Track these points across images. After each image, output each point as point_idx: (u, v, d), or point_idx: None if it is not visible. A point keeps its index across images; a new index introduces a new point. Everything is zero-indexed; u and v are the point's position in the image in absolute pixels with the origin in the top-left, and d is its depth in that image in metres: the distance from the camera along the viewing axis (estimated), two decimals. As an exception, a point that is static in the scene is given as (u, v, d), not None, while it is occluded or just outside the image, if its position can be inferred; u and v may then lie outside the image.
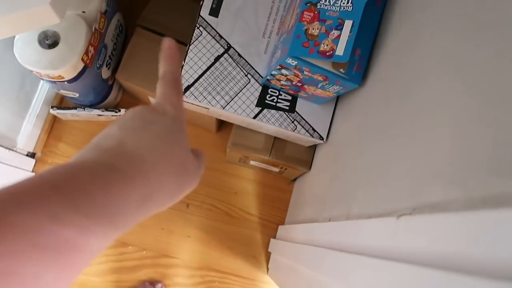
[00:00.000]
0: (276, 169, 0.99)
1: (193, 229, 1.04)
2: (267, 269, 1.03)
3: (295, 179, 1.06)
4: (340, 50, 0.56)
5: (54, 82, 0.84)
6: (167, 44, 0.31)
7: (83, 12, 0.81)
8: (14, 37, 0.78)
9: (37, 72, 0.80)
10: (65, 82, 0.84)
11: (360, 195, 0.50)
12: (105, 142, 0.24)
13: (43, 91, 1.00)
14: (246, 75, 0.76)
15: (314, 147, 0.89)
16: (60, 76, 0.81)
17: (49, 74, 0.80)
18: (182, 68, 0.75)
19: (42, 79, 0.84)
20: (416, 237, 0.30)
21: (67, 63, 0.78)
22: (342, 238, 0.47)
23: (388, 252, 0.34)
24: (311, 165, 0.89)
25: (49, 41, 0.79)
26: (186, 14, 0.95)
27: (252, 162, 0.99)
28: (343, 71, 0.60)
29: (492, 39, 0.30)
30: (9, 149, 0.92)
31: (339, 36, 0.56)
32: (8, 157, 0.91)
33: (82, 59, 0.81)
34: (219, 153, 1.08)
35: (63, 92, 0.92)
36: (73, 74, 0.82)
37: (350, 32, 0.56)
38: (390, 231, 0.34)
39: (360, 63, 0.61)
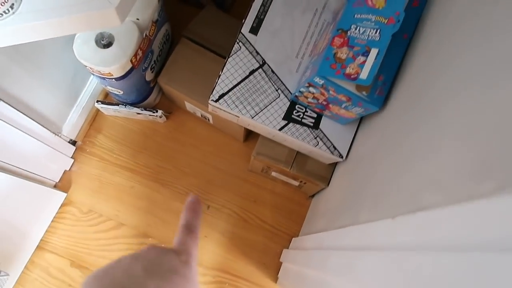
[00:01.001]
0: (296, 183, 1.03)
1: (211, 230, 1.09)
2: (277, 278, 1.06)
3: (313, 195, 1.10)
4: (364, 74, 0.61)
5: (104, 78, 0.92)
6: (193, 198, 0.35)
7: (137, 19, 0.90)
8: (74, 35, 0.88)
9: (90, 68, 0.89)
10: (113, 80, 0.93)
11: (368, 203, 0.54)
12: (131, 286, 0.26)
13: (91, 86, 1.10)
14: (276, 90, 0.82)
15: (334, 165, 0.93)
16: (109, 73, 0.90)
17: (101, 71, 0.89)
18: (219, 77, 0.82)
19: (93, 74, 0.93)
20: (408, 232, 0.34)
21: (117, 62, 0.87)
22: (347, 240, 0.51)
23: (387, 246, 0.38)
24: (329, 182, 0.93)
25: (105, 41, 0.88)
26: (228, 30, 1.02)
27: (273, 174, 1.04)
28: (365, 94, 0.65)
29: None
30: (55, 134, 1.01)
31: (364, 61, 0.62)
32: (53, 140, 1.00)
33: (131, 61, 0.89)
34: (243, 162, 1.14)
35: (109, 88, 1.01)
36: (121, 73, 0.91)
37: (375, 59, 0.61)
38: (388, 229, 0.38)
39: (382, 89, 0.66)
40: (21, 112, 0.85)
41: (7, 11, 0.53)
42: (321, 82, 0.66)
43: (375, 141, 0.67)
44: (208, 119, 1.11)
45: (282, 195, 1.12)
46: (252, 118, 0.81)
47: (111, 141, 1.14)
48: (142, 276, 0.26)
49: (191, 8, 1.21)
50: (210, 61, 1.00)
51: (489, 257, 0.24)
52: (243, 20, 0.83)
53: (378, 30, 0.62)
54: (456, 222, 0.29)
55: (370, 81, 0.61)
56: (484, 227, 0.25)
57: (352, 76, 0.62)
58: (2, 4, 0.51)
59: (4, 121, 0.80)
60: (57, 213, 1.08)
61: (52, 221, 1.08)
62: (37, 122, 0.91)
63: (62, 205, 1.09)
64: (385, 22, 0.62)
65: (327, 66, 0.64)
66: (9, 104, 0.80)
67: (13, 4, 0.53)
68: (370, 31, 0.63)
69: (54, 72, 0.94)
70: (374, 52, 0.62)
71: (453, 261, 0.27)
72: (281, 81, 0.82)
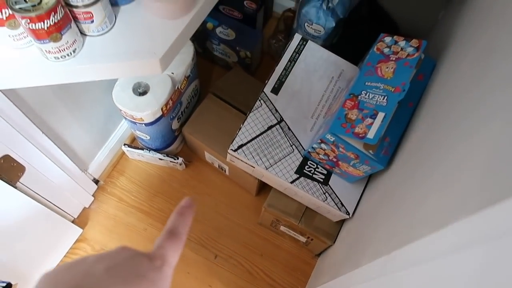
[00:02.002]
0: (303, 239, 1.06)
1: (216, 280, 1.10)
2: (276, 336, 1.05)
3: (319, 254, 1.12)
4: (371, 134, 0.68)
5: (135, 123, 1.02)
6: (186, 203, 0.32)
7: (172, 73, 1.01)
8: (114, 82, 0.99)
9: (125, 112, 0.98)
10: (143, 125, 1.02)
11: (368, 252, 0.58)
12: (86, 287, 0.23)
13: (121, 130, 1.19)
14: (291, 145, 0.89)
15: (341, 223, 0.97)
16: (141, 118, 0.99)
17: (133, 115, 0.98)
18: (239, 129, 0.89)
19: (126, 119, 1.03)
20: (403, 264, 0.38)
21: (149, 109, 0.96)
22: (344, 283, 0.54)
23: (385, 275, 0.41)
24: (335, 239, 0.96)
25: (141, 90, 0.98)
26: (251, 90, 1.12)
27: (282, 228, 1.07)
28: (372, 153, 0.71)
29: None
30: (82, 171, 1.08)
31: (372, 123, 0.69)
32: (79, 177, 1.08)
33: (162, 109, 0.99)
34: (254, 215, 1.18)
35: (138, 133, 1.10)
36: (152, 119, 1.00)
37: (381, 121, 0.68)
38: (383, 265, 0.42)
39: (387, 149, 0.72)
40: (58, 147, 0.93)
41: (69, 54, 0.63)
42: (332, 139, 0.72)
43: (377, 197, 0.72)
44: (225, 170, 1.17)
45: (289, 252, 1.14)
46: (267, 169, 0.87)
47: (131, 183, 1.21)
48: (103, 277, 0.24)
49: (220, 68, 1.33)
50: (233, 116, 1.09)
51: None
52: (266, 81, 0.93)
53: (386, 97, 0.70)
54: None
55: (376, 140, 0.67)
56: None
57: (360, 135, 0.68)
58: (67, 48, 0.61)
59: (41, 152, 0.88)
60: (71, 248, 1.12)
61: (64, 255, 1.11)
62: (69, 157, 0.99)
63: (76, 241, 1.13)
64: (392, 90, 0.70)
65: (338, 125, 0.71)
66: (49, 138, 0.88)
67: (75, 49, 0.63)
68: (378, 97, 0.70)
69: (92, 114, 1.03)
70: (381, 115, 0.69)
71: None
72: (296, 138, 0.89)
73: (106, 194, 1.20)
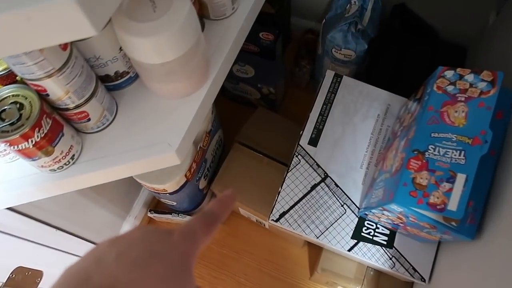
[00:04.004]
0: (366, 298, 0.92)
1: None
2: None
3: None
4: (453, 205, 0.53)
5: (158, 193, 0.90)
6: (228, 193, 0.30)
7: (192, 133, 0.89)
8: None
9: (145, 185, 0.87)
10: (167, 194, 0.90)
11: None
12: (98, 278, 0.20)
13: (143, 196, 1.09)
14: (342, 205, 0.75)
15: (412, 283, 0.82)
16: (164, 189, 0.87)
17: (155, 187, 0.86)
18: (278, 194, 0.76)
19: (147, 190, 0.91)
20: None
21: (172, 179, 0.85)
22: None
23: None
24: (407, 303, 0.81)
25: (160, 158, 0.87)
26: (281, 133, 0.99)
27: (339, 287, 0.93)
28: (455, 224, 0.56)
29: None
30: (109, 249, 0.98)
31: (451, 189, 0.54)
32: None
33: (185, 175, 0.87)
34: (303, 270, 1.04)
35: (163, 200, 0.98)
36: (176, 188, 0.88)
37: (463, 186, 0.53)
38: None
39: (473, 216, 0.57)
40: (76, 236, 0.83)
41: (68, 163, 0.51)
42: (400, 210, 0.58)
43: (472, 276, 0.57)
44: (264, 224, 1.04)
45: (350, 309, 1.00)
46: (317, 238, 0.74)
47: (163, 250, 1.10)
48: (113, 263, 0.21)
49: (242, 107, 1.21)
50: (265, 166, 0.96)
51: None
52: (301, 132, 0.79)
53: (463, 152, 0.55)
54: None
55: (461, 214, 0.52)
56: None
57: (438, 207, 0.54)
58: (63, 157, 0.50)
59: (57, 249, 0.78)
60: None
61: None
62: (90, 241, 0.89)
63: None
64: (470, 142, 0.55)
65: (405, 193, 0.56)
66: (64, 231, 0.78)
67: (73, 155, 0.52)
68: (452, 152, 0.56)
69: (110, 191, 0.93)
70: (461, 178, 0.54)
71: None
72: (347, 195, 0.75)
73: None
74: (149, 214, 1.07)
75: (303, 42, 1.18)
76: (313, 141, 0.78)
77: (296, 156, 0.78)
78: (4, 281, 0.66)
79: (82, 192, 0.82)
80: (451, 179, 0.54)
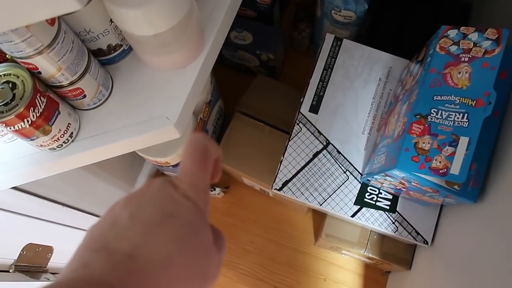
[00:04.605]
0: (370, 261, 0.93)
1: (280, 315, 1.01)
2: None
3: (389, 271, 0.99)
4: (455, 169, 0.52)
5: (161, 166, 0.90)
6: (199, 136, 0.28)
7: (191, 104, 0.88)
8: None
9: (147, 158, 0.87)
10: (170, 167, 0.90)
11: None
12: (115, 244, 0.21)
13: (147, 168, 1.09)
14: (344, 172, 0.75)
15: (415, 245, 0.83)
16: (167, 162, 0.87)
17: (158, 161, 0.87)
18: (281, 163, 0.76)
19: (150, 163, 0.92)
20: None
21: (174, 152, 0.84)
22: None
23: None
24: (411, 265, 0.82)
25: (160, 131, 0.86)
26: (282, 100, 0.98)
27: (344, 252, 0.95)
28: (457, 188, 0.56)
29: None
30: (116, 222, 0.99)
31: (453, 153, 0.53)
32: (114, 230, 0.99)
33: (187, 147, 0.87)
34: (308, 236, 1.06)
35: (166, 173, 0.99)
36: (178, 160, 0.88)
37: (466, 150, 0.53)
38: None
39: (476, 179, 0.56)
40: (82, 211, 0.84)
41: (66, 141, 0.51)
42: (402, 175, 0.58)
43: (475, 239, 0.57)
44: (268, 193, 1.05)
45: (355, 272, 1.02)
46: (321, 205, 0.74)
47: (170, 221, 1.12)
48: (128, 224, 0.21)
49: (241, 75, 1.19)
50: (267, 135, 0.96)
51: None
52: (302, 99, 0.78)
53: (466, 115, 0.54)
54: None
55: (464, 177, 0.52)
56: None
57: (440, 171, 0.53)
58: (62, 136, 0.50)
59: (65, 225, 0.79)
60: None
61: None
62: (97, 215, 0.90)
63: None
64: (473, 104, 0.54)
65: (407, 158, 0.56)
66: (70, 207, 0.79)
67: (72, 133, 0.51)
68: (455, 115, 0.55)
69: (114, 166, 0.93)
70: (464, 141, 0.53)
71: None
72: (349, 162, 0.75)
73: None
74: (153, 187, 1.08)
75: (302, 4, 1.14)
76: (314, 108, 0.77)
77: (297, 124, 0.77)
78: (16, 258, 0.68)
79: (86, 167, 0.82)
80: (454, 143, 0.54)
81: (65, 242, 0.80)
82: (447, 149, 0.54)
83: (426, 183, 0.57)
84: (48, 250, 0.75)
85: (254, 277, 1.04)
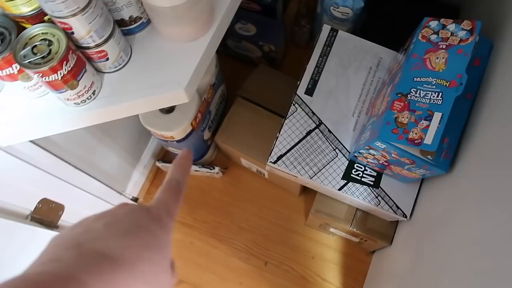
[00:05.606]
0: (356, 239, 1.00)
1: (269, 288, 1.07)
2: None
3: (374, 251, 1.06)
4: (428, 139, 0.60)
5: (166, 141, 0.98)
6: (184, 154, 0.32)
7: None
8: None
9: (154, 132, 0.94)
10: (174, 142, 0.97)
11: (445, 284, 0.51)
12: (89, 244, 0.22)
13: (152, 145, 1.16)
14: (334, 150, 0.82)
15: (396, 222, 0.90)
16: (171, 136, 0.94)
17: (163, 135, 0.94)
18: (276, 139, 0.83)
19: (156, 137, 0.99)
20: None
21: (179, 126, 0.92)
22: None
23: None
24: (392, 240, 0.89)
25: (167, 107, 0.93)
26: (281, 88, 1.05)
27: (331, 229, 1.02)
28: (430, 158, 0.63)
29: None
30: (120, 193, 1.06)
31: (428, 126, 0.61)
32: (117, 200, 1.06)
33: (191, 124, 0.94)
34: (299, 216, 1.13)
35: (170, 149, 1.06)
36: (182, 135, 0.95)
37: (439, 123, 0.60)
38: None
39: (448, 151, 0.64)
40: (92, 177, 0.90)
41: (89, 98, 0.58)
42: (383, 146, 0.65)
43: (444, 206, 0.65)
44: (264, 174, 1.12)
45: (341, 251, 1.09)
46: (311, 178, 0.81)
47: (170, 198, 1.18)
48: (102, 231, 0.23)
49: (244, 65, 1.26)
50: (265, 119, 1.03)
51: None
52: (298, 82, 0.85)
53: (440, 93, 0.61)
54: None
55: (435, 146, 0.59)
56: None
57: (416, 141, 0.61)
58: (86, 92, 0.57)
59: (76, 187, 0.86)
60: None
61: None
62: (104, 184, 0.97)
63: (125, 261, 1.13)
64: (447, 85, 0.62)
65: (388, 130, 0.63)
66: (82, 171, 0.86)
67: (94, 91, 0.58)
68: (431, 94, 0.62)
69: (122, 138, 1.00)
70: (437, 116, 0.60)
71: None
72: (339, 140, 0.82)
73: (147, 211, 1.18)
74: (157, 164, 1.15)
75: (304, 1, 1.22)
76: (309, 91, 0.85)
77: (293, 105, 0.85)
78: (32, 210, 0.75)
79: (98, 137, 0.90)
80: (429, 117, 0.61)
81: (75, 203, 0.87)
82: (423, 123, 0.61)
83: (404, 154, 0.64)
84: (60, 207, 0.82)
85: (247, 252, 1.11)
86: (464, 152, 0.63)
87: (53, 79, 0.51)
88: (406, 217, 0.79)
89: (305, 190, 1.14)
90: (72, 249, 0.22)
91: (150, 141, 1.15)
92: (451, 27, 0.65)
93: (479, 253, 0.47)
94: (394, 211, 0.79)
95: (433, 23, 0.66)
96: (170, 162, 1.14)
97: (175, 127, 0.92)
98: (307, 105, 0.84)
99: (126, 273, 0.22)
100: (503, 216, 0.44)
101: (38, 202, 0.76)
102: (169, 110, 0.93)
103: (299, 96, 0.85)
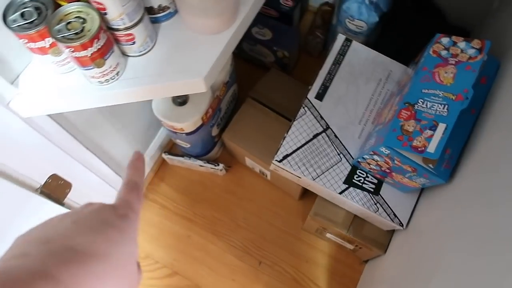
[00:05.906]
0: (351, 246, 1.02)
1: (261, 287, 1.09)
2: None
3: (367, 260, 1.08)
4: (431, 148, 0.63)
5: (175, 132, 1.00)
6: (136, 156, 0.34)
7: (211, 81, 0.98)
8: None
9: (165, 122, 0.97)
10: (184, 134, 1.00)
11: (436, 280, 0.54)
12: (57, 239, 0.23)
13: (160, 137, 1.19)
14: (338, 154, 0.85)
15: (392, 232, 0.92)
16: (181, 128, 0.97)
17: (174, 126, 0.96)
18: (284, 139, 0.86)
19: (166, 128, 1.01)
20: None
21: (190, 119, 0.94)
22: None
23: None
24: (386, 249, 0.91)
25: (180, 100, 0.96)
26: (291, 92, 1.08)
27: (328, 235, 1.04)
28: (432, 166, 0.66)
29: None
30: (125, 181, 1.08)
31: (432, 135, 0.63)
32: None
33: (202, 118, 0.97)
34: (297, 220, 1.15)
35: (178, 141, 1.08)
36: (192, 128, 0.98)
37: (443, 134, 0.63)
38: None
39: (449, 162, 0.67)
40: (101, 160, 0.93)
41: (113, 78, 0.61)
42: (387, 152, 0.68)
43: (439, 215, 0.67)
44: (266, 175, 1.14)
45: (335, 258, 1.11)
46: (314, 180, 0.84)
47: (172, 190, 1.21)
48: (70, 228, 0.24)
49: (256, 69, 1.30)
50: (273, 121, 1.06)
51: None
52: (310, 87, 0.88)
53: (446, 106, 0.64)
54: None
55: (438, 155, 0.62)
56: None
57: (419, 149, 0.63)
58: (111, 72, 0.60)
59: (85, 167, 0.89)
60: (117, 255, 1.13)
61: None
62: (111, 169, 0.99)
63: (122, 248, 1.14)
64: (453, 98, 0.64)
65: (393, 137, 0.66)
66: (92, 152, 0.88)
67: (118, 72, 0.61)
68: (437, 106, 0.65)
69: (133, 125, 1.03)
70: (442, 127, 0.63)
71: None
72: (344, 146, 0.85)
73: (148, 201, 1.20)
74: (163, 155, 1.17)
75: (320, 12, 1.25)
76: (320, 96, 0.88)
77: (303, 108, 0.87)
78: (42, 184, 0.77)
79: (111, 121, 0.92)
80: (433, 127, 0.64)
81: (83, 183, 0.89)
82: (427, 132, 0.64)
83: (406, 161, 0.67)
84: (68, 185, 0.84)
85: (242, 250, 1.12)
86: (464, 164, 0.66)
87: (83, 55, 0.54)
88: (402, 225, 0.81)
89: (305, 195, 1.16)
90: (40, 245, 0.22)
91: (158, 133, 1.18)
92: (462, 44, 0.68)
93: (472, 264, 0.49)
94: (391, 219, 0.82)
95: (445, 40, 0.70)
96: (176, 155, 1.16)
97: (186, 119, 0.95)
98: (316, 109, 0.87)
99: (95, 266, 0.23)
100: (499, 225, 0.46)
101: (49, 177, 0.78)
102: (182, 103, 0.96)
103: (309, 100, 0.88)
